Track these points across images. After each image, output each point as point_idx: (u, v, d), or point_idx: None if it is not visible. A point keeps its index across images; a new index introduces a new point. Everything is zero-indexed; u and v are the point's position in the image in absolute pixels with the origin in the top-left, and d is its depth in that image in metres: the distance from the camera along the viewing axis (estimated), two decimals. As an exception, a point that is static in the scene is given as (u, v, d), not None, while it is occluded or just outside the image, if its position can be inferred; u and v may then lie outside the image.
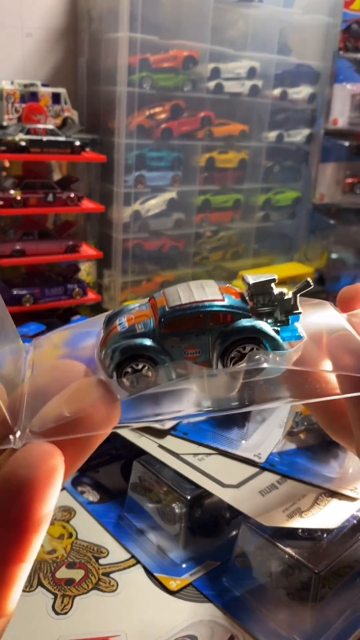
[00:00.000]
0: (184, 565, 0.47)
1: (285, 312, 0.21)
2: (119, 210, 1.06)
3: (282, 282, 1.18)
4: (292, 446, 0.50)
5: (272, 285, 0.21)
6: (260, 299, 0.20)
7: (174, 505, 0.46)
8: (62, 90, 1.02)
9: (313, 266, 1.30)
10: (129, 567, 0.46)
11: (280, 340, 0.20)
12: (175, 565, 0.47)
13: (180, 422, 0.60)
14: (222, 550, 0.47)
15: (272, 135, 1.26)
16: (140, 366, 0.19)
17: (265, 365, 0.19)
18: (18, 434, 0.16)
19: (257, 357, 0.19)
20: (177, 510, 0.46)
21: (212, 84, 1.11)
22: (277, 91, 1.23)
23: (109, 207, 1.07)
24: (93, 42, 1.09)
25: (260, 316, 0.20)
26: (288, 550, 0.42)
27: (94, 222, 1.12)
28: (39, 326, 0.91)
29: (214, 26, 1.07)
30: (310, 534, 0.43)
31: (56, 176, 1.00)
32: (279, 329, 0.20)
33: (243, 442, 0.50)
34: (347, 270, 1.33)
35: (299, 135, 1.30)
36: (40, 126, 0.86)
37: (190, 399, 0.19)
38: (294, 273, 1.26)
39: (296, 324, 0.21)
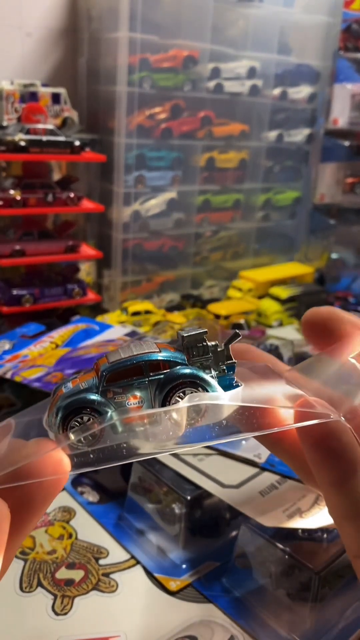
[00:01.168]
0: (183, 566, 0.47)
1: (220, 362, 0.22)
2: (119, 210, 1.06)
3: (282, 282, 1.19)
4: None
5: (204, 337, 0.22)
6: (195, 351, 0.22)
7: (174, 505, 0.46)
8: (62, 90, 1.02)
9: (313, 266, 1.30)
10: (129, 567, 0.46)
11: (218, 386, 0.21)
12: (175, 565, 0.47)
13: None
14: (222, 550, 0.46)
15: (272, 135, 1.26)
16: (85, 419, 0.20)
17: (204, 402, 0.20)
18: None
19: (196, 398, 0.20)
20: (177, 511, 0.46)
21: (212, 84, 1.11)
22: (277, 91, 1.23)
23: (109, 207, 1.07)
24: (93, 41, 1.09)
25: (196, 366, 0.21)
26: (288, 550, 0.42)
27: (94, 222, 1.12)
28: (38, 326, 0.90)
29: (214, 26, 1.07)
30: (311, 535, 0.43)
31: (56, 176, 1.00)
32: (216, 378, 0.21)
33: (243, 442, 0.50)
34: (347, 270, 1.33)
35: (299, 135, 1.30)
36: (40, 126, 0.86)
37: (140, 444, 0.20)
38: (294, 273, 1.25)
39: (232, 373, 0.22)
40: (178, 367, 0.21)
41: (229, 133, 1.18)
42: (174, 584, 0.45)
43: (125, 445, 0.20)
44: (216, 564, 0.47)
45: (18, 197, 0.85)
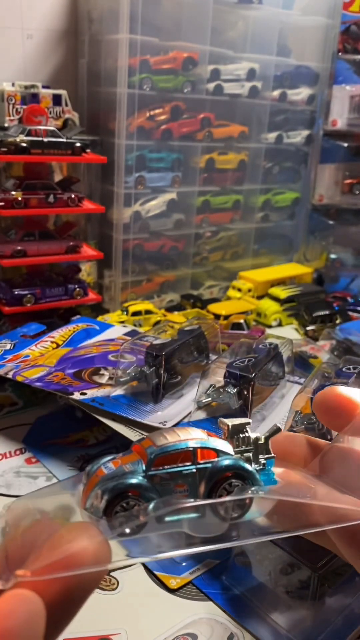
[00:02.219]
0: (184, 564, 0.47)
1: (260, 455, 0.22)
2: (119, 211, 1.06)
3: (281, 283, 1.19)
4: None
5: (247, 428, 0.22)
6: (238, 441, 0.22)
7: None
8: (62, 92, 1.03)
9: (312, 266, 1.31)
10: (130, 565, 0.46)
11: (261, 481, 0.21)
12: (175, 563, 0.47)
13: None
14: (222, 548, 0.47)
15: (272, 136, 1.27)
16: (130, 504, 0.19)
17: (252, 495, 0.20)
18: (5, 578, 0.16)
19: (244, 490, 0.20)
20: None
21: (211, 86, 1.11)
22: (276, 92, 1.23)
23: (110, 208, 1.07)
24: (93, 43, 1.09)
25: (239, 457, 0.21)
26: (287, 548, 0.42)
27: (95, 222, 1.13)
28: (39, 326, 0.91)
29: (213, 28, 1.07)
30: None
31: (57, 177, 1.00)
32: (258, 472, 0.22)
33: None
34: (346, 271, 1.33)
35: (298, 137, 1.31)
36: (41, 127, 0.86)
37: (182, 537, 0.20)
38: (293, 273, 1.26)
39: (270, 468, 0.22)
40: (225, 458, 0.21)
41: (228, 134, 1.19)
42: (174, 582, 0.46)
43: (165, 538, 0.19)
44: (216, 562, 0.47)
45: (19, 198, 0.86)
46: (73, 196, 0.91)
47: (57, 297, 0.94)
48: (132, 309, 1.01)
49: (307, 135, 1.31)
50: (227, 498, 0.20)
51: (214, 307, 1.07)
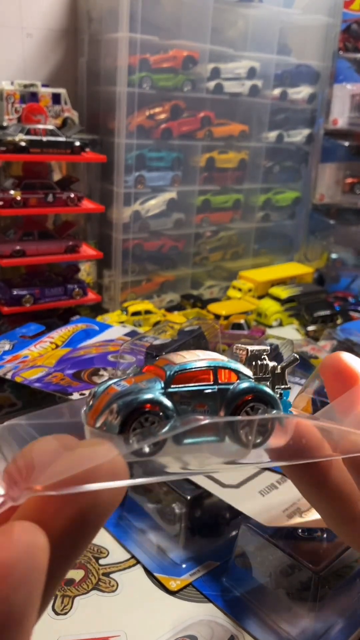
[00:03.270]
0: (184, 566, 0.47)
1: (276, 385, 0.21)
2: (119, 211, 1.06)
3: (282, 282, 1.19)
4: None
5: (266, 355, 0.21)
6: (256, 368, 0.21)
7: (174, 505, 0.46)
8: (62, 91, 1.02)
9: (313, 266, 1.30)
10: (129, 567, 0.46)
11: (282, 407, 0.20)
12: (175, 565, 0.47)
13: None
14: (222, 550, 0.47)
15: (272, 135, 1.26)
16: (149, 421, 0.17)
17: (278, 415, 0.19)
18: (10, 492, 0.14)
19: (269, 413, 0.19)
20: (177, 511, 0.46)
21: (211, 84, 1.11)
22: (277, 91, 1.23)
23: (109, 207, 1.07)
24: (93, 42, 1.09)
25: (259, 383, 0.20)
26: (288, 550, 0.42)
27: (94, 222, 1.12)
28: (38, 327, 0.90)
29: (213, 26, 1.07)
30: (310, 534, 0.43)
31: (56, 176, 1.00)
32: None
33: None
34: (346, 270, 1.33)
35: (298, 136, 1.30)
36: (40, 126, 0.86)
37: (201, 457, 0.18)
38: (293, 273, 1.26)
39: (287, 399, 0.21)
40: (246, 381, 0.20)
41: (228, 133, 1.18)
42: (174, 584, 0.45)
43: (183, 459, 0.17)
44: (216, 564, 0.47)
45: (18, 198, 0.85)
46: (72, 196, 0.91)
47: (57, 297, 0.93)
48: (131, 309, 1.00)
49: (308, 134, 1.31)
50: (255, 417, 0.19)
51: (214, 307, 1.06)
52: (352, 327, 0.97)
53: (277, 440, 0.19)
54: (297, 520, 0.42)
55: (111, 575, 0.44)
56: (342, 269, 1.31)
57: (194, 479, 0.45)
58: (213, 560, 0.45)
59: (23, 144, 0.83)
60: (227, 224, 1.25)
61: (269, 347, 0.21)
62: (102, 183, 1.10)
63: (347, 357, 0.24)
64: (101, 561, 0.45)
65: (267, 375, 0.21)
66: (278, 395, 0.21)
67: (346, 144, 1.28)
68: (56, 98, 1.00)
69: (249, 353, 0.21)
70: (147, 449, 0.17)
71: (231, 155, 1.20)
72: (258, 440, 0.19)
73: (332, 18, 1.24)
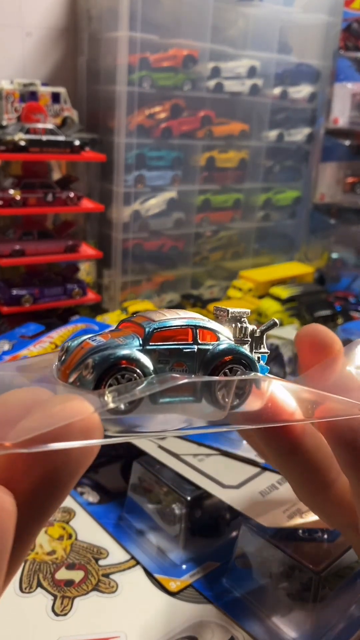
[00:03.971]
0: (184, 566, 0.47)
1: (254, 349, 0.20)
2: (119, 210, 1.06)
3: (282, 282, 1.18)
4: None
5: (245, 318, 0.20)
6: (236, 330, 0.20)
7: (174, 506, 0.46)
8: (61, 90, 1.02)
9: (313, 266, 1.30)
10: (129, 568, 0.45)
11: (260, 370, 0.19)
12: (175, 566, 0.46)
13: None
14: (222, 551, 0.46)
15: (273, 134, 1.26)
16: (125, 377, 0.16)
17: (255, 377, 0.18)
18: None
19: (247, 375, 0.18)
20: (177, 511, 0.46)
21: (212, 83, 1.11)
22: (277, 90, 1.23)
23: (109, 207, 1.07)
24: (93, 41, 1.09)
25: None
26: (288, 551, 0.42)
27: (94, 221, 1.12)
28: (38, 326, 0.90)
29: (213, 25, 1.07)
30: (311, 535, 0.43)
31: (55, 176, 1.00)
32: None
33: (244, 442, 0.50)
34: (347, 270, 1.32)
35: (299, 135, 1.30)
36: (40, 126, 0.86)
37: (176, 417, 0.18)
38: (294, 273, 1.25)
39: (264, 363, 0.20)
40: (225, 342, 0.19)
41: (229, 132, 1.18)
42: (174, 585, 0.45)
43: (158, 418, 0.17)
44: (216, 564, 0.47)
45: (18, 197, 0.85)
46: (72, 195, 0.91)
47: (56, 297, 0.93)
48: (131, 309, 1.00)
49: (309, 133, 1.30)
50: (233, 378, 0.18)
51: (214, 307, 1.06)
52: (353, 327, 0.96)
53: (252, 403, 0.18)
54: (297, 520, 0.42)
55: (111, 576, 0.44)
56: (342, 268, 1.31)
57: (194, 479, 0.45)
58: (213, 561, 0.45)
59: (22, 143, 0.83)
60: (228, 224, 1.25)
61: (249, 310, 0.21)
62: (102, 182, 1.10)
63: (323, 329, 0.23)
64: (101, 562, 0.45)
65: (247, 339, 0.20)
66: (256, 359, 0.20)
67: (347, 143, 1.28)
68: (56, 97, 1.00)
69: (230, 315, 0.20)
70: (122, 407, 0.16)
71: (231, 155, 1.19)
72: (235, 403, 0.18)
73: (332, 17, 1.23)
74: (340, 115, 1.24)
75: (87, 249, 1.00)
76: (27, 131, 0.85)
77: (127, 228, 1.08)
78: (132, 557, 0.46)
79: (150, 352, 0.17)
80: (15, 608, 0.41)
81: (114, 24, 0.98)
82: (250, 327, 0.20)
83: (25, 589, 0.43)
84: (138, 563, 0.46)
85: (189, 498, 0.45)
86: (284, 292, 1.12)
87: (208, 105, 1.12)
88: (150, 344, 0.17)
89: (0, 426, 0.14)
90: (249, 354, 0.19)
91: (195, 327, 0.18)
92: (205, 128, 1.13)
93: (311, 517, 0.43)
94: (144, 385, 0.16)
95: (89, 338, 0.18)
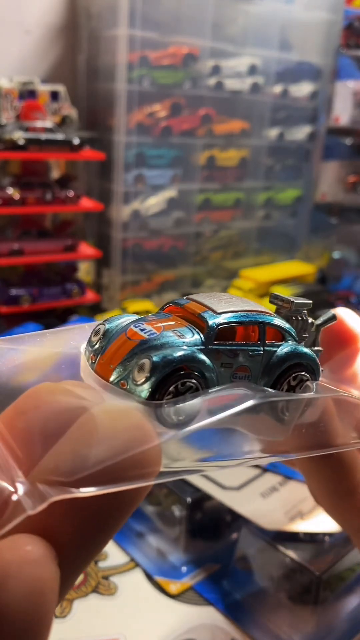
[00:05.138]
0: (184, 569, 0.46)
1: (310, 346, 0.17)
2: (118, 209, 1.05)
3: (283, 282, 1.17)
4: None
5: (306, 310, 0.17)
6: (296, 323, 0.17)
7: (174, 508, 0.45)
8: (61, 88, 1.02)
9: (315, 265, 1.30)
10: (129, 570, 0.45)
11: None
12: (175, 568, 0.46)
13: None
14: (222, 553, 0.46)
15: (273, 133, 1.25)
16: (187, 386, 0.13)
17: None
18: (22, 489, 0.10)
19: (309, 387, 0.15)
20: (177, 513, 0.45)
21: (212, 81, 1.10)
22: (278, 88, 1.22)
23: (108, 206, 1.06)
24: (92, 39, 1.08)
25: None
26: (289, 553, 0.42)
27: (93, 221, 1.12)
28: (37, 326, 0.90)
29: (214, 23, 1.06)
30: (312, 537, 0.43)
31: (55, 174, 0.99)
32: None
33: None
34: (348, 270, 1.32)
35: (300, 133, 1.29)
36: (39, 124, 0.85)
37: (238, 441, 0.14)
38: (295, 272, 1.25)
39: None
40: (293, 344, 0.16)
41: (229, 131, 1.18)
42: (174, 587, 0.45)
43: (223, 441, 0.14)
44: (217, 567, 0.47)
45: (16, 196, 0.85)
46: (71, 194, 0.90)
47: (55, 297, 0.93)
48: (131, 308, 1.00)
49: (310, 132, 1.30)
50: (309, 395, 0.15)
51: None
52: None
53: (310, 415, 0.15)
54: (298, 523, 0.42)
55: (110, 578, 0.44)
56: (344, 268, 1.30)
57: (194, 481, 0.45)
58: (213, 563, 0.45)
59: (21, 142, 0.82)
60: (228, 223, 1.24)
61: (311, 302, 0.17)
62: (101, 181, 1.09)
63: (347, 316, 0.21)
64: (100, 564, 0.45)
65: (305, 335, 0.17)
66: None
67: (349, 141, 1.27)
68: (55, 95, 0.99)
69: (294, 306, 0.17)
70: (181, 420, 0.12)
71: (232, 153, 1.19)
72: (291, 416, 0.15)
73: (333, 14, 1.23)
74: (342, 114, 1.23)
75: (86, 249, 1.00)
76: (26, 130, 0.84)
77: (126, 227, 1.07)
78: (132, 559, 0.46)
79: (213, 353, 0.14)
80: None
81: (113, 22, 0.97)
82: (310, 320, 0.17)
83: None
84: (138, 565, 0.45)
85: (189, 500, 0.45)
86: (284, 292, 1.11)
87: (208, 103, 1.12)
88: (214, 342, 0.14)
89: (37, 446, 0.10)
90: (316, 358, 0.16)
91: (264, 324, 0.15)
92: (206, 126, 1.13)
93: (312, 520, 0.43)
94: (211, 398, 0.13)
95: (134, 324, 0.14)
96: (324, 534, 0.43)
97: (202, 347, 0.14)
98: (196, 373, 0.13)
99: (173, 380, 0.13)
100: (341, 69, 1.25)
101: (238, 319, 0.15)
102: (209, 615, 0.43)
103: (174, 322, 0.15)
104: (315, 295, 1.14)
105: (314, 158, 1.32)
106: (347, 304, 1.16)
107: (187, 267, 1.22)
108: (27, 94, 0.96)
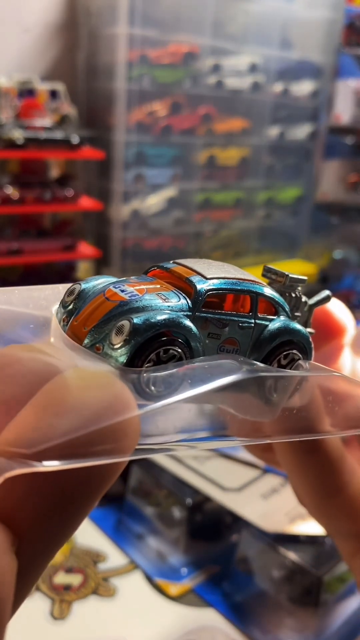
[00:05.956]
0: (184, 571, 0.46)
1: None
2: (118, 209, 1.05)
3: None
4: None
5: (300, 287, 0.16)
6: (289, 299, 0.16)
7: (173, 509, 0.45)
8: (60, 87, 1.01)
9: (316, 265, 1.29)
10: (128, 572, 0.45)
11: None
12: (175, 570, 0.46)
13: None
14: (222, 555, 0.46)
15: (274, 131, 1.25)
16: (170, 354, 0.12)
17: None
18: None
19: (300, 366, 0.14)
20: (177, 515, 0.45)
21: (212, 80, 1.10)
22: (278, 87, 1.22)
23: (108, 205, 1.06)
24: (92, 37, 1.08)
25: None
26: (290, 555, 0.41)
27: (93, 220, 1.11)
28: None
29: (214, 21, 1.06)
30: (313, 539, 0.42)
31: (54, 173, 0.99)
32: None
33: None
34: (349, 270, 1.32)
35: (301, 132, 1.29)
36: (38, 123, 0.85)
37: (218, 418, 0.13)
38: (297, 272, 1.24)
39: None
40: (286, 320, 0.15)
41: (229, 130, 1.17)
42: (174, 589, 0.44)
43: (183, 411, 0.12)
44: (217, 569, 0.46)
45: (15, 195, 0.84)
46: (70, 193, 0.90)
47: (56, 296, 0.92)
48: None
49: (311, 130, 1.29)
50: (302, 373, 0.13)
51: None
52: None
53: (298, 399, 0.14)
54: (299, 524, 0.42)
55: (110, 580, 0.43)
56: (345, 268, 1.30)
57: (194, 482, 0.45)
58: (214, 564, 0.45)
59: (20, 141, 0.82)
60: (228, 222, 1.24)
61: (306, 278, 0.16)
62: (101, 180, 1.09)
63: (335, 308, 0.20)
64: (100, 566, 0.44)
65: (298, 313, 0.16)
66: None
67: (350, 140, 1.27)
68: (54, 94, 0.99)
69: (288, 280, 0.16)
70: (161, 392, 0.11)
71: (232, 152, 1.18)
72: (279, 397, 0.14)
73: (334, 13, 1.22)
74: (343, 113, 1.23)
75: (85, 248, 0.99)
76: (25, 128, 0.84)
77: (126, 227, 1.07)
78: (132, 561, 0.46)
79: (200, 321, 0.13)
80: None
81: (113, 20, 0.97)
82: (304, 299, 0.17)
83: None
84: (137, 567, 0.45)
85: (189, 501, 0.45)
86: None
87: (208, 102, 1.12)
88: (202, 310, 0.13)
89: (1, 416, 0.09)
90: (309, 337, 0.15)
91: (257, 294, 0.14)
92: (206, 125, 1.12)
93: (313, 521, 0.42)
94: (196, 371, 0.12)
95: (113, 285, 0.13)
96: (325, 536, 0.43)
97: (188, 313, 0.13)
98: (180, 340, 0.12)
99: (155, 347, 0.12)
100: (342, 68, 1.25)
101: (229, 287, 0.14)
102: (209, 617, 0.42)
103: (158, 286, 0.14)
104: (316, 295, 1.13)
105: (315, 157, 1.32)
106: (348, 305, 1.16)
107: (187, 267, 1.22)
108: (26, 92, 0.96)
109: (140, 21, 0.95)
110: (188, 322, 0.12)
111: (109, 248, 1.09)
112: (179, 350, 0.12)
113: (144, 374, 0.11)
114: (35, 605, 0.40)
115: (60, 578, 0.43)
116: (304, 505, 0.21)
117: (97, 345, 0.12)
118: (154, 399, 0.11)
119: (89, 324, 0.12)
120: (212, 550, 0.46)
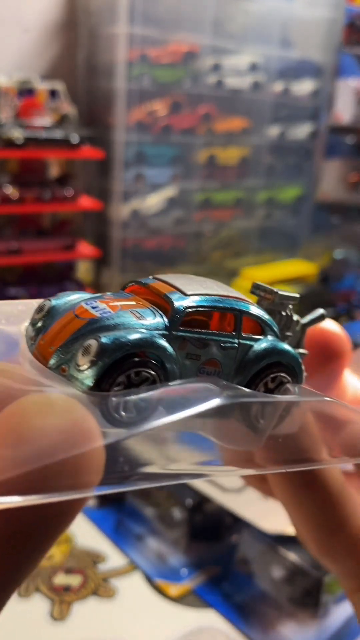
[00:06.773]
0: (184, 571, 0.46)
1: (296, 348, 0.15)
2: (118, 208, 1.05)
3: (285, 281, 1.17)
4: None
5: (291, 305, 0.15)
6: (279, 318, 0.15)
7: (173, 510, 0.45)
8: (60, 86, 1.01)
9: (316, 265, 1.29)
10: (128, 572, 0.45)
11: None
12: (175, 571, 0.46)
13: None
14: (223, 555, 0.46)
15: (274, 131, 1.25)
16: (142, 377, 0.11)
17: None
18: None
19: (289, 391, 0.13)
20: (177, 516, 0.45)
21: (212, 79, 1.10)
22: (279, 86, 1.21)
23: (108, 205, 1.06)
24: (91, 36, 1.08)
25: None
26: (290, 556, 0.41)
27: (92, 220, 1.11)
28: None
29: (214, 20, 1.05)
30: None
31: (53, 173, 0.99)
32: None
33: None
34: (350, 269, 1.31)
35: (301, 132, 1.29)
36: (37, 122, 0.85)
37: (202, 447, 0.12)
38: (297, 271, 1.24)
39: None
40: (274, 340, 0.13)
41: (230, 129, 1.17)
42: (173, 590, 0.44)
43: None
44: (217, 569, 0.46)
45: (15, 195, 0.84)
46: (69, 193, 0.90)
47: (55, 296, 0.92)
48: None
49: (311, 130, 1.29)
50: (288, 398, 0.12)
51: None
52: (355, 327, 0.96)
53: (288, 426, 0.13)
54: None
55: (110, 581, 0.43)
56: (345, 267, 1.30)
57: (194, 483, 0.44)
58: (214, 565, 0.45)
59: (20, 140, 0.82)
60: (229, 222, 1.24)
61: (298, 296, 0.15)
62: (101, 180, 1.09)
63: (332, 328, 0.19)
64: (100, 567, 0.44)
65: (289, 333, 0.15)
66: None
67: (350, 140, 1.26)
68: (54, 93, 0.99)
69: (278, 298, 0.15)
70: (131, 419, 0.10)
71: (232, 152, 1.18)
72: (268, 423, 0.13)
73: (334, 12, 1.22)
74: (343, 112, 1.23)
75: (85, 248, 0.99)
76: (25, 128, 0.84)
77: (126, 226, 1.07)
78: (132, 562, 0.46)
79: (178, 341, 0.12)
80: (12, 613, 0.40)
81: (113, 19, 0.97)
82: (295, 318, 0.15)
83: (22, 593, 0.42)
84: (137, 568, 0.45)
85: (189, 502, 0.44)
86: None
87: (208, 101, 1.11)
88: (180, 329, 0.12)
89: None
90: (299, 359, 0.14)
91: (241, 312, 0.13)
92: (206, 125, 1.12)
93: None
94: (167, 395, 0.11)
95: (85, 302, 0.12)
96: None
97: (164, 332, 0.12)
98: (154, 362, 0.11)
99: (125, 368, 0.11)
100: (342, 67, 1.25)
101: (211, 304, 0.12)
102: (209, 618, 0.42)
103: (133, 302, 0.13)
104: (317, 295, 1.13)
105: (316, 156, 1.31)
106: (349, 304, 1.16)
107: (187, 267, 1.22)
108: (26, 92, 0.96)
109: (140, 20, 0.95)
110: (163, 342, 0.11)
111: (109, 248, 1.09)
112: (152, 372, 0.11)
113: (113, 398, 0.10)
114: (35, 606, 0.40)
115: (60, 579, 0.43)
116: (304, 542, 0.19)
117: (63, 366, 0.11)
118: (124, 426, 0.10)
119: (55, 343, 0.11)
120: (212, 551, 0.46)
